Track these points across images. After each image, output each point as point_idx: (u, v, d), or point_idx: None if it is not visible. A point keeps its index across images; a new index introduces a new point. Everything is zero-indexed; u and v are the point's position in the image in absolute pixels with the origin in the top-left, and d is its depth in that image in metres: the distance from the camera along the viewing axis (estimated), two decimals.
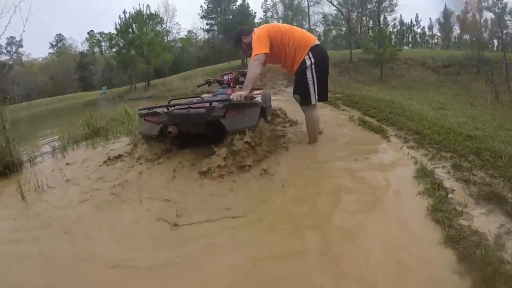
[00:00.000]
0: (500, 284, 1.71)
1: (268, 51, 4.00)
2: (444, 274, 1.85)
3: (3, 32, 5.19)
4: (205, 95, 5.36)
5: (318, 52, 4.13)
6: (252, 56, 4.01)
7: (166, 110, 4.31)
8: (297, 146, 4.38)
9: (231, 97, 4.02)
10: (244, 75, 5.66)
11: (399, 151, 4.12)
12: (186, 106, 4.28)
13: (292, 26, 4.58)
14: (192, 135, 4.79)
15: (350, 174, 3.42)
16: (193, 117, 4.13)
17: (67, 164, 4.62)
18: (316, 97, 4.18)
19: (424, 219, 2.40)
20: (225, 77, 5.61)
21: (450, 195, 2.72)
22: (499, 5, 25.10)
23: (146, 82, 30.59)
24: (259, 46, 3.99)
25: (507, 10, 26.96)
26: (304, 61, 4.10)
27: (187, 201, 3.07)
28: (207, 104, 4.16)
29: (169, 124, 4.26)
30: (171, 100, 4.67)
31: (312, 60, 4.07)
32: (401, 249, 2.06)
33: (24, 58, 59.87)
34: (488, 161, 3.44)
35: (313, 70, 4.10)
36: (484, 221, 2.32)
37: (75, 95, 39.08)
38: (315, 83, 4.13)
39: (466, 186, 2.92)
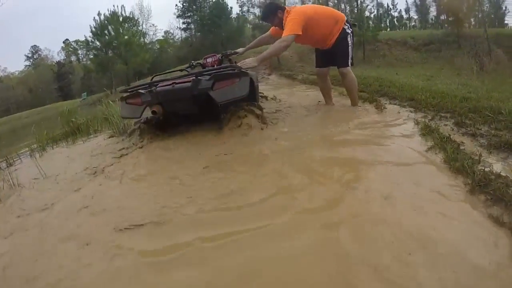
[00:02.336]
0: None
1: (300, 33, 4.09)
2: (479, 218, 1.69)
3: None
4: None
5: (349, 23, 4.56)
6: (284, 34, 4.10)
7: (148, 88, 4.03)
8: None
9: (240, 63, 3.98)
10: (227, 56, 5.48)
11: (397, 115, 4.04)
12: (170, 82, 4.02)
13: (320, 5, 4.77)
14: (180, 118, 4.58)
15: (355, 136, 3.30)
16: (178, 92, 3.85)
17: (46, 162, 4.25)
18: (351, 61, 4.62)
19: (443, 169, 2.27)
20: (209, 60, 5.40)
21: (461, 147, 2.60)
22: None
23: (126, 84, 29.97)
24: (294, 26, 4.08)
25: None
26: (344, 30, 4.44)
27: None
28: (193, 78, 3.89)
29: (153, 104, 4.00)
30: (153, 77, 4.42)
31: (351, 29, 4.53)
32: (428, 200, 1.88)
33: (0, 73, 58.92)
34: (489, 116, 3.38)
35: (352, 36, 4.56)
36: (503, 167, 2.23)
37: (55, 105, 38.41)
38: (352, 48, 4.58)
39: (474, 139, 2.85)
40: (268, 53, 4.14)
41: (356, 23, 4.76)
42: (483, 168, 2.13)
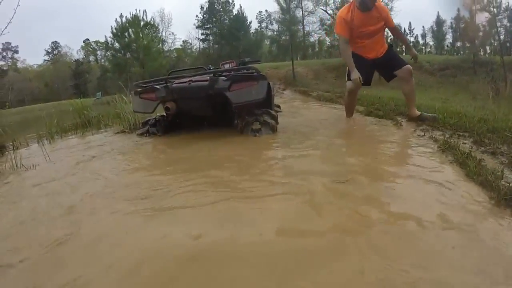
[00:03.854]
0: None
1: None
2: (504, 232, 1.63)
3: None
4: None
5: None
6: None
7: (164, 84, 4.04)
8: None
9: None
10: (245, 64, 5.49)
11: (413, 133, 3.99)
12: (187, 79, 4.02)
13: None
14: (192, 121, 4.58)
15: (373, 150, 3.34)
16: (194, 90, 3.87)
17: (52, 148, 4.36)
18: None
19: (467, 183, 2.22)
20: (226, 66, 5.41)
21: (482, 163, 2.54)
22: (494, 3, 25.26)
23: (126, 91, 29.77)
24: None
25: (502, 8, 27.61)
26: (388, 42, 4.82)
27: None
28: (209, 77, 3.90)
29: (167, 100, 4.02)
30: (170, 72, 4.42)
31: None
32: (453, 210, 1.83)
33: (19, 64, 59.61)
34: (508, 137, 3.30)
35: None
36: None
37: (69, 101, 38.75)
38: None
39: (494, 157, 2.79)
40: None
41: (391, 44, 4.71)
42: (507, 183, 2.07)
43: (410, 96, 4.71)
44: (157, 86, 4.09)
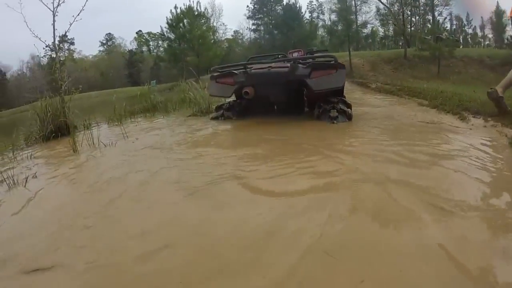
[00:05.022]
0: None
1: None
2: None
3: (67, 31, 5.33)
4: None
5: None
6: None
7: (243, 69, 4.20)
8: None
9: None
10: (312, 53, 5.57)
11: (483, 128, 3.97)
12: (266, 66, 4.16)
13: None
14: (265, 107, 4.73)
15: (449, 139, 3.40)
16: (275, 76, 3.99)
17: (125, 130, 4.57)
18: None
19: None
20: (295, 54, 5.52)
21: None
22: None
23: (197, 77, 30.34)
24: None
25: None
26: None
27: None
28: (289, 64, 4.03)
29: (246, 85, 4.15)
30: (249, 58, 4.56)
31: None
32: None
33: (75, 55, 61.99)
34: None
35: None
36: None
37: (124, 89, 40.01)
38: None
39: None
40: None
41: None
42: None
43: None
44: (236, 71, 4.28)
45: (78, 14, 5.29)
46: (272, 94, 4.33)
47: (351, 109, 4.24)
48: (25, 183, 2.62)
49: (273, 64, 4.18)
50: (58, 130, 4.56)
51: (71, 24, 5.23)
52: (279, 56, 5.64)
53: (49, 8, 5.05)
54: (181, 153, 3.23)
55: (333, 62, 4.03)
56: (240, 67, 4.31)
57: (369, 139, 3.38)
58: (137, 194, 2.23)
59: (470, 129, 3.92)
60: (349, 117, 4.12)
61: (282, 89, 4.14)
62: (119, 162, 3.00)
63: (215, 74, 4.58)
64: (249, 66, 4.27)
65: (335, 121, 4.01)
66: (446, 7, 24.50)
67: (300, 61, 4.22)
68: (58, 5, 5.06)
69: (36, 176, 2.78)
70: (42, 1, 5.03)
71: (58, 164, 3.21)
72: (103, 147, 3.66)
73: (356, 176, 2.27)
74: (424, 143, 3.16)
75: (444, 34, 30.40)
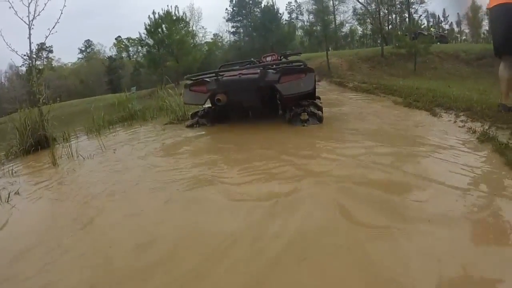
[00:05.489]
0: None
1: None
2: None
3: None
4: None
5: None
6: None
7: (215, 77, 4.33)
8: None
9: None
10: (286, 56, 5.71)
11: (453, 124, 4.14)
12: (237, 72, 4.29)
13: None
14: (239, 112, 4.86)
15: (415, 139, 3.47)
16: (245, 82, 4.15)
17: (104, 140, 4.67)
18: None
19: (504, 171, 2.37)
20: (268, 58, 5.65)
21: None
22: None
23: (176, 82, 30.35)
24: None
25: None
26: None
27: None
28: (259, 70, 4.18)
29: (218, 92, 4.28)
30: (221, 66, 4.69)
31: None
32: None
33: (54, 63, 61.23)
34: None
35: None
36: None
37: (104, 96, 39.60)
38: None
39: None
40: None
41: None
42: None
43: None
44: (208, 79, 4.40)
45: (54, 27, 5.30)
46: (244, 99, 4.48)
47: (322, 112, 4.39)
48: (8, 199, 2.69)
49: (244, 71, 4.30)
50: (38, 143, 4.61)
51: (46, 37, 5.25)
52: (254, 61, 5.77)
53: (25, 22, 5.06)
54: (154, 161, 3.32)
55: (302, 66, 4.15)
56: (212, 75, 4.41)
57: (336, 141, 3.52)
58: (115, 204, 2.33)
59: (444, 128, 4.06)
60: (319, 120, 4.27)
61: (254, 94, 4.28)
62: (97, 175, 3.07)
63: (189, 82, 4.68)
64: (221, 73, 4.37)
65: (305, 124, 4.17)
66: (421, 4, 24.69)
67: (271, 66, 4.34)
68: (33, 19, 5.08)
69: (18, 193, 2.83)
70: (17, 15, 5.04)
71: (38, 178, 3.28)
72: (82, 160, 3.72)
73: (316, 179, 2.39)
74: (389, 144, 3.26)
75: (431, 30, 31.00)
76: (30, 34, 5.14)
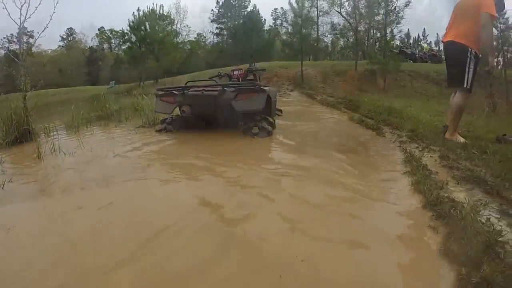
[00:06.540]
0: (472, 236, 1.89)
1: None
2: (422, 230, 2.16)
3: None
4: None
5: None
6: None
7: (182, 91, 5.05)
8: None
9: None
10: (252, 71, 6.32)
11: (391, 143, 4.73)
12: (201, 89, 5.00)
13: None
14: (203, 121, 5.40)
15: (346, 160, 3.94)
16: (206, 98, 4.89)
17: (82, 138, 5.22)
18: None
19: (407, 190, 2.84)
20: (235, 72, 6.35)
21: (432, 176, 3.10)
22: (501, 19, 25.23)
23: (155, 80, 30.57)
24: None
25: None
26: None
27: None
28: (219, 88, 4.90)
29: (183, 104, 5.04)
30: (187, 82, 5.30)
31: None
32: (387, 213, 2.47)
33: (34, 49, 60.13)
34: (474, 154, 3.71)
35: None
36: (461, 194, 2.62)
37: (82, 88, 38.99)
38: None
39: (450, 170, 3.25)
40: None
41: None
42: (441, 193, 2.59)
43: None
44: (176, 92, 5.07)
45: (43, 31, 5.72)
46: (206, 112, 5.24)
47: (272, 127, 5.14)
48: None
49: (207, 87, 4.88)
50: (22, 137, 5.11)
51: (35, 40, 5.68)
52: (221, 74, 6.43)
53: (16, 23, 5.48)
54: (126, 161, 3.90)
55: (256, 87, 4.74)
56: (180, 89, 4.94)
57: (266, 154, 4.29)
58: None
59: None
60: (268, 134, 4.99)
61: (213, 108, 5.04)
62: (79, 170, 3.57)
63: (160, 93, 5.25)
64: (188, 88, 4.99)
65: (255, 136, 4.90)
66: (397, 25, 25.40)
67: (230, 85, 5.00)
68: (24, 21, 5.45)
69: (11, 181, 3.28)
70: (10, 17, 5.40)
71: (28, 169, 3.79)
72: (63, 155, 4.21)
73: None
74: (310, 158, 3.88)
75: (425, 48, 32.03)
76: (21, 37, 5.52)
